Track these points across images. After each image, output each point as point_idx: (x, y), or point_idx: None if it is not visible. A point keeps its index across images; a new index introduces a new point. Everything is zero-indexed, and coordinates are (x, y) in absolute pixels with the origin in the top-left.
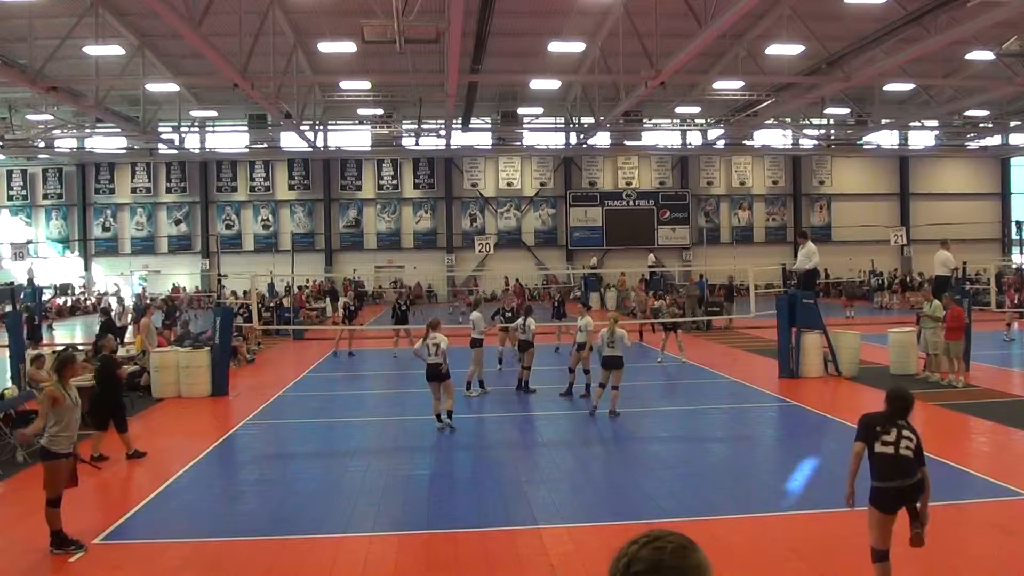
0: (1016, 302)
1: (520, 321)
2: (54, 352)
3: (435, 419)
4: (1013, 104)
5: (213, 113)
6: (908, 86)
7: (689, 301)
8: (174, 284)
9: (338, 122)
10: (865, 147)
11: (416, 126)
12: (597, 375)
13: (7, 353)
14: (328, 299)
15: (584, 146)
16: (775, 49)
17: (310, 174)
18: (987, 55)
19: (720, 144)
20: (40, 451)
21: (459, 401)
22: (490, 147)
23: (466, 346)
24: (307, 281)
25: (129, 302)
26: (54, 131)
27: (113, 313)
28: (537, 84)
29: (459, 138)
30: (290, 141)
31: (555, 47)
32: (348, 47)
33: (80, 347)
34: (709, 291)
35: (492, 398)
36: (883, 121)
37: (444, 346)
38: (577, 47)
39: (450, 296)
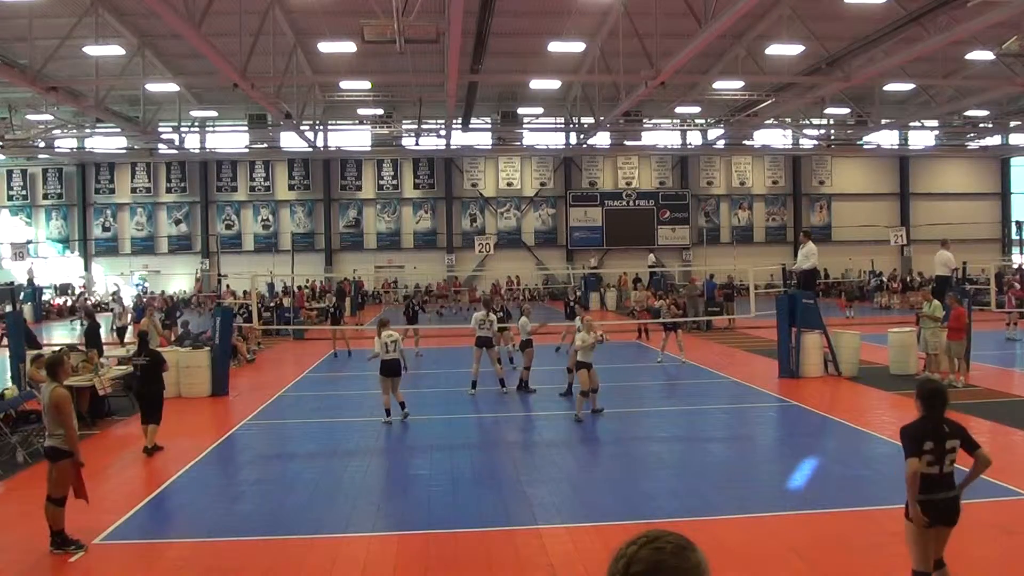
0: (1015, 303)
1: (522, 320)
2: (53, 352)
3: (385, 414)
4: (1013, 104)
5: (213, 113)
6: (908, 86)
7: (691, 302)
8: (198, 276)
9: (338, 122)
10: (865, 147)
11: (416, 126)
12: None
13: (7, 353)
14: (336, 299)
15: (584, 146)
16: (775, 49)
17: (310, 174)
18: (987, 55)
19: (720, 144)
20: (50, 451)
21: (462, 400)
22: (490, 147)
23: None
24: (307, 281)
25: (128, 302)
26: (54, 131)
27: (112, 313)
28: (537, 84)
29: (459, 138)
30: (290, 141)
31: (555, 47)
32: (348, 47)
33: (79, 347)
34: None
35: (492, 398)
36: (883, 121)
37: (399, 343)
38: (577, 47)
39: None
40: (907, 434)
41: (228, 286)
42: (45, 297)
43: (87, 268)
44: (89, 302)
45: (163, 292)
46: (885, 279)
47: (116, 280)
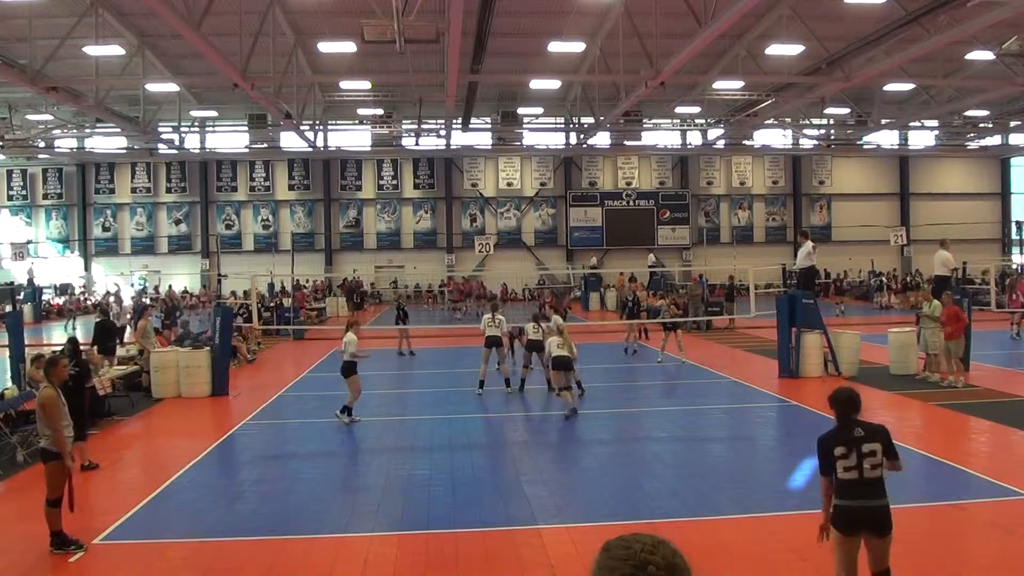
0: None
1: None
2: (53, 352)
3: (348, 413)
4: (1013, 104)
5: (213, 113)
6: (908, 86)
7: (692, 301)
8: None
9: (338, 122)
10: (865, 147)
11: (416, 126)
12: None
13: (7, 353)
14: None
15: (584, 146)
16: (775, 49)
17: (310, 174)
18: (987, 55)
19: (720, 144)
20: (42, 452)
21: (462, 401)
22: (490, 147)
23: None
24: (306, 281)
25: (128, 302)
26: (54, 131)
27: (112, 313)
28: (537, 84)
29: (459, 138)
30: (290, 141)
31: (555, 47)
32: (348, 47)
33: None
34: (709, 291)
35: (492, 398)
36: (883, 121)
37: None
38: (577, 47)
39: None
40: (818, 447)
41: (223, 286)
42: (45, 297)
43: (87, 268)
44: (89, 302)
45: (169, 287)
46: (885, 279)
47: (116, 280)
